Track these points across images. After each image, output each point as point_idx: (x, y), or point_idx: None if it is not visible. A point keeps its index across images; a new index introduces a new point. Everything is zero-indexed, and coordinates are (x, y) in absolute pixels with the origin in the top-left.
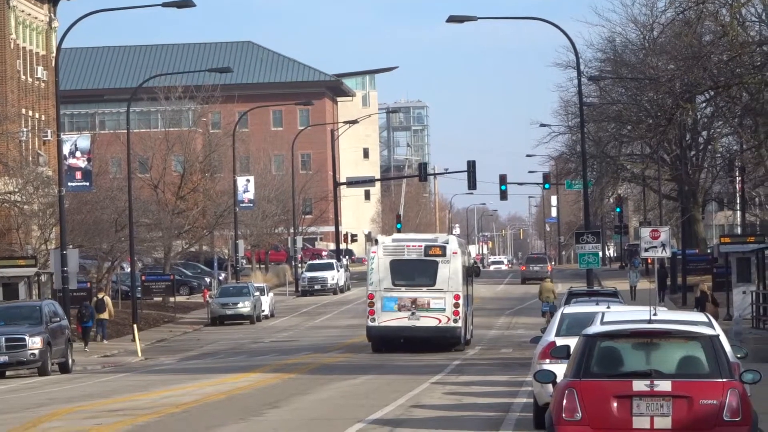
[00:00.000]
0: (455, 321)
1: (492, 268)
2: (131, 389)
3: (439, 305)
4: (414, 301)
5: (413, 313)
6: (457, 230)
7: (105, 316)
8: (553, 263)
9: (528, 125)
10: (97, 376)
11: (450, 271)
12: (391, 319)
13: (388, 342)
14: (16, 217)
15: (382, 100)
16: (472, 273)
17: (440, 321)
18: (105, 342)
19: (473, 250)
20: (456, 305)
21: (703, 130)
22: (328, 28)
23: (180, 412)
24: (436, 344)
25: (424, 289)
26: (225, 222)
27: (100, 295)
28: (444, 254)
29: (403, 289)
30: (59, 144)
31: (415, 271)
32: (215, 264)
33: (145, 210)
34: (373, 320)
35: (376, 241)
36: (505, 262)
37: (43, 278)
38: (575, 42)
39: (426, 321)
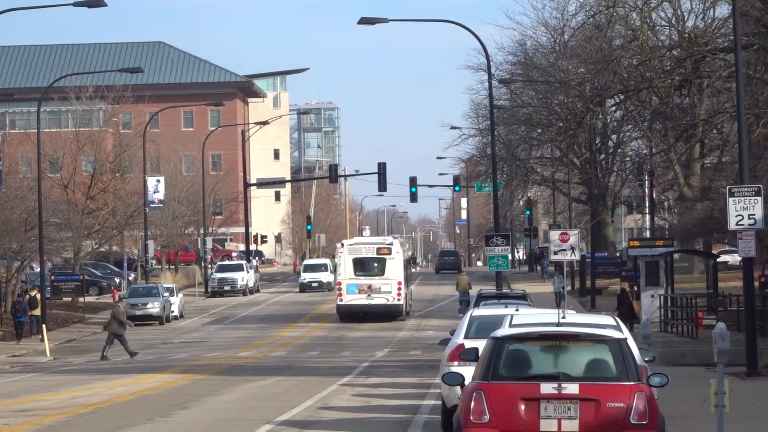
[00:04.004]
0: (399, 300)
1: None
2: (39, 389)
3: (388, 289)
4: (370, 286)
5: (369, 295)
6: (367, 232)
7: (37, 312)
8: (463, 257)
9: (439, 127)
10: (5, 375)
11: (395, 264)
12: (353, 299)
13: (351, 315)
14: None
15: (293, 102)
16: (410, 264)
17: (388, 300)
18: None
19: None
20: (399, 289)
21: (613, 133)
22: (239, 28)
23: (88, 413)
24: (385, 316)
25: (377, 277)
26: (135, 222)
27: (32, 293)
28: (390, 253)
29: (362, 278)
30: None
31: (370, 265)
32: (125, 264)
33: (54, 210)
34: (341, 300)
35: (342, 244)
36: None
37: None
38: (486, 45)
39: (378, 300)
